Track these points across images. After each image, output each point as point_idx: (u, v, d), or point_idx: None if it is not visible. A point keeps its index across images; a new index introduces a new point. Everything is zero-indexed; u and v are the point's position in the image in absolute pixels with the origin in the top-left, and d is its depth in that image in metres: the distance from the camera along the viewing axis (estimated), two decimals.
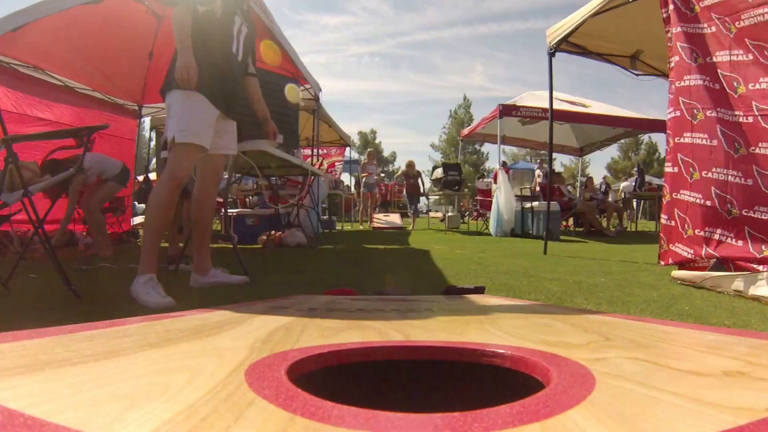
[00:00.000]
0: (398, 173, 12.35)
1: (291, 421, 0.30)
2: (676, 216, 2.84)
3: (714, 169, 2.66)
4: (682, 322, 1.37)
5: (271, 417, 0.31)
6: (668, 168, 2.92)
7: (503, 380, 0.50)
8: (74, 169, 2.54)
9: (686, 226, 2.78)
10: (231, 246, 3.33)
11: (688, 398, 0.32)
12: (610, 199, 9.88)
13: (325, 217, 8.21)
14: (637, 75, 5.38)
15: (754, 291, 2.23)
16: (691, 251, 2.72)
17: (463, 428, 0.29)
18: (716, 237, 2.62)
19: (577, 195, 9.24)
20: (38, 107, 4.76)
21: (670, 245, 2.88)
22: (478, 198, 10.10)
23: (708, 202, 2.66)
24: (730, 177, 2.59)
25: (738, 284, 2.33)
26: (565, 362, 0.41)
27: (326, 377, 0.52)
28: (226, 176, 3.75)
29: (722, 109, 2.67)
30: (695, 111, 2.77)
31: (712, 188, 2.65)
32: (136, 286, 2.04)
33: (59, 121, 5.07)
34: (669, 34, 2.98)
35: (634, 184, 9.91)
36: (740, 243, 2.55)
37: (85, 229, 5.32)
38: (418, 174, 10.34)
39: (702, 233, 2.69)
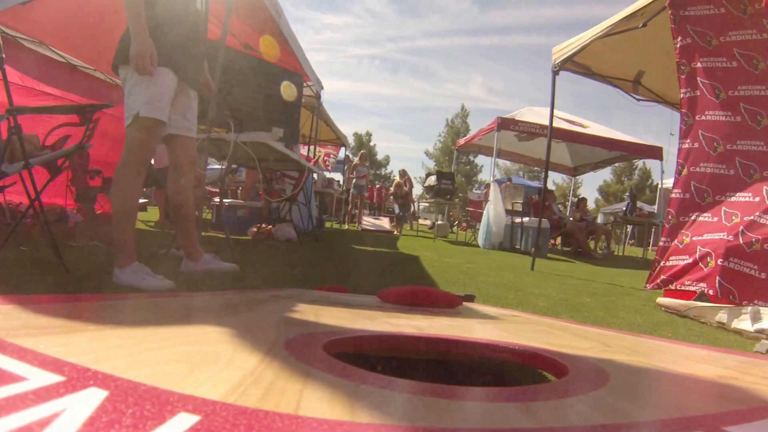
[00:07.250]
0: (389, 192, 12.65)
1: (357, 388, 0.34)
2: (677, 235, 2.94)
3: (728, 193, 2.81)
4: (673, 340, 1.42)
5: (338, 384, 0.34)
6: (676, 195, 3.00)
7: (517, 374, 0.54)
8: (76, 146, 2.54)
9: (684, 238, 2.87)
10: (222, 235, 3.32)
11: (693, 390, 0.36)
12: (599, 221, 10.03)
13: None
14: (639, 100, 5.42)
15: (736, 324, 2.26)
16: (686, 257, 2.80)
17: (522, 399, 0.33)
18: (709, 238, 2.75)
19: (567, 214, 9.36)
20: (45, 81, 4.72)
21: (665, 262, 2.95)
22: (469, 209, 10.19)
23: (715, 218, 2.80)
24: (740, 198, 2.74)
25: (722, 316, 2.36)
26: (578, 359, 0.45)
27: (349, 361, 0.55)
28: (224, 165, 3.76)
29: (742, 141, 2.82)
30: (715, 144, 2.89)
31: (723, 208, 2.78)
32: (123, 276, 1.93)
33: (65, 97, 5.02)
34: (682, 66, 3.05)
35: (625, 208, 10.04)
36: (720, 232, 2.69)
37: (76, 206, 5.27)
38: (408, 193, 10.56)
39: (700, 238, 2.80)
